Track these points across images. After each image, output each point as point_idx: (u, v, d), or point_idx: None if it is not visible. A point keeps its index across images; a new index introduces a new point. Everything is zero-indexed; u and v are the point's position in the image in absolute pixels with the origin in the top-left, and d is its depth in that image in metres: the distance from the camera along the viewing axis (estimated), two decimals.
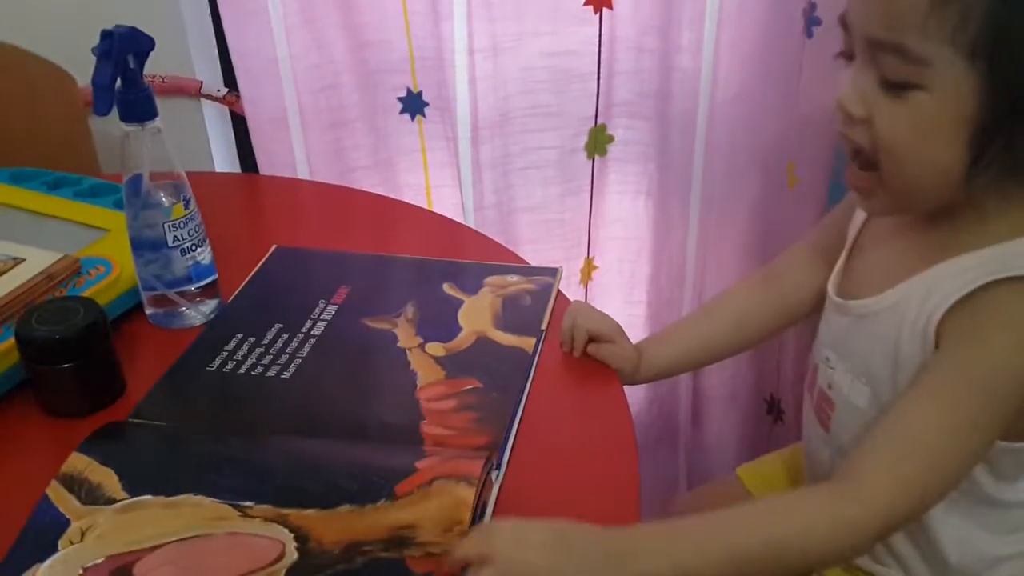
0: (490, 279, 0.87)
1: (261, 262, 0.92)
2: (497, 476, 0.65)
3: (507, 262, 0.93)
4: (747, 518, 0.66)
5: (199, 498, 0.62)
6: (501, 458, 0.67)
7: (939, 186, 0.66)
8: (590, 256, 1.30)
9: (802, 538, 0.64)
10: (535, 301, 0.85)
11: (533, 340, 0.80)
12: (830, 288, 0.81)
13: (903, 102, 0.64)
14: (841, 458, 0.78)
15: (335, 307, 0.84)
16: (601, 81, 1.15)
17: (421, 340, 0.80)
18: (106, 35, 0.72)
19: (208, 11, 1.13)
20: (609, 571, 0.59)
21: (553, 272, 0.89)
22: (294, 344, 0.79)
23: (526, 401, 0.74)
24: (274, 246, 0.94)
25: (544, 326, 0.82)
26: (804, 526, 0.64)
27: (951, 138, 0.64)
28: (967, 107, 0.62)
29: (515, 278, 0.88)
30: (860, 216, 0.81)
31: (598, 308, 0.83)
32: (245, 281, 0.89)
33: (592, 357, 0.80)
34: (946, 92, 0.62)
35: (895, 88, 0.64)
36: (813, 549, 0.64)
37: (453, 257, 0.93)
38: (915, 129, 0.64)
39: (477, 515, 0.61)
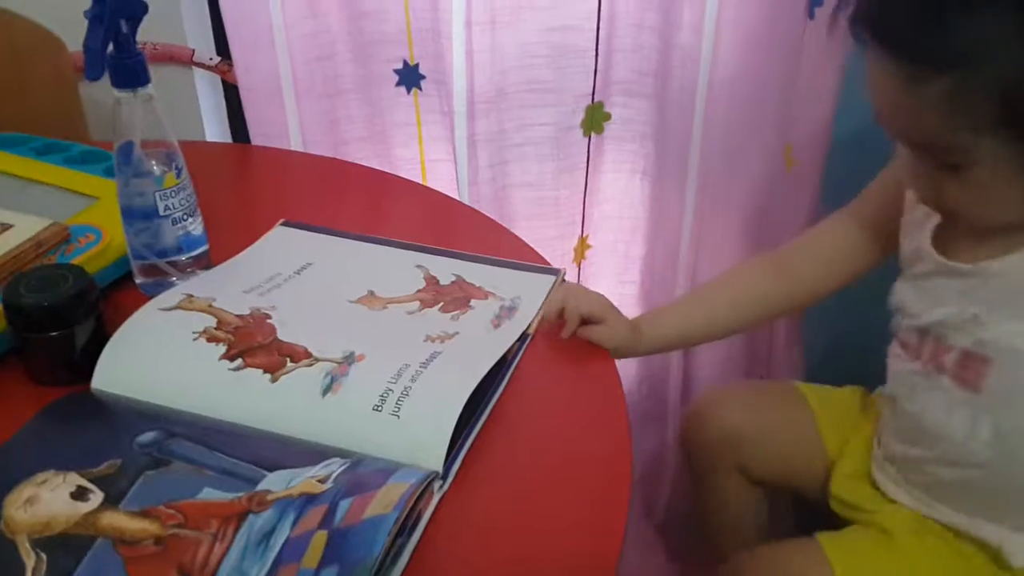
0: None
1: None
2: (441, 486, 0.64)
3: (505, 240, 0.92)
4: None
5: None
6: (449, 470, 0.65)
7: (1013, 217, 0.72)
8: (584, 235, 1.29)
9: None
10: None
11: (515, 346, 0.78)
12: (930, 257, 0.81)
13: (962, 178, 0.70)
14: (990, 415, 0.79)
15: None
16: (599, 58, 1.14)
17: None
18: None
19: None
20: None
21: (555, 272, 0.87)
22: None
23: (508, 384, 0.73)
24: (280, 221, 0.93)
25: (530, 330, 0.80)
26: None
27: (1013, 188, 0.69)
28: (1015, 163, 0.67)
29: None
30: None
31: (590, 288, 0.83)
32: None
33: (578, 337, 0.80)
34: (995, 161, 0.67)
35: (948, 167, 0.70)
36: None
37: (447, 234, 0.92)
38: (980, 197, 0.71)
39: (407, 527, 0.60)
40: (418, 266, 0.86)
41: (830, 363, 1.41)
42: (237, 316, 0.75)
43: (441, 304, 0.81)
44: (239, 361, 0.71)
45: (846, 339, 1.13)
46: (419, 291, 0.83)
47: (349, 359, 0.71)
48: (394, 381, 0.68)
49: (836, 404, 1.00)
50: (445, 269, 0.86)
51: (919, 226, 0.83)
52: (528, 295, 0.83)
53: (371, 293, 0.82)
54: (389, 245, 0.90)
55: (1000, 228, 0.74)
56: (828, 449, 0.97)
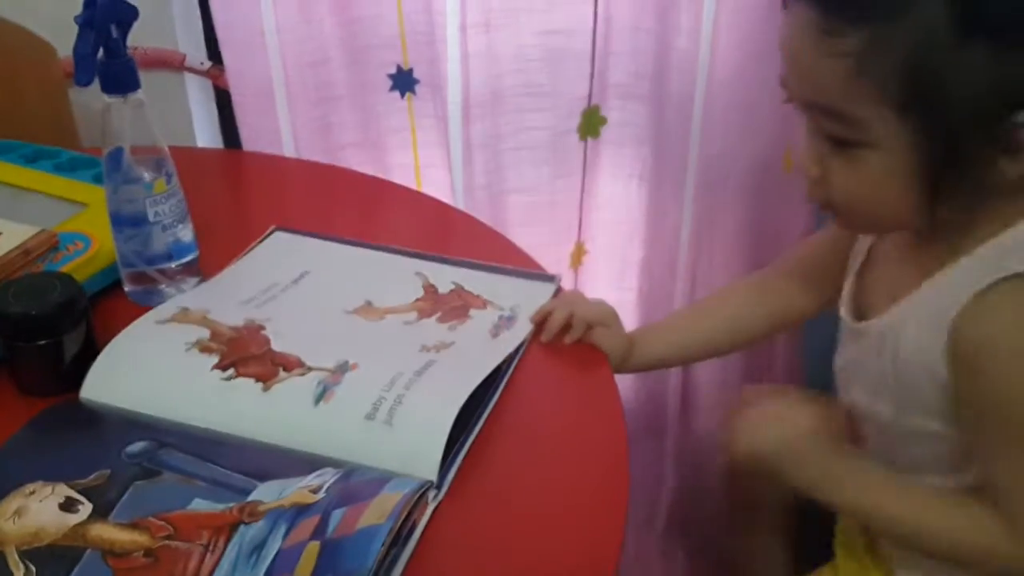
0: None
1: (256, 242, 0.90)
2: (436, 496, 0.63)
3: (501, 246, 0.92)
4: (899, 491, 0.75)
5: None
6: (444, 479, 0.64)
7: (903, 224, 0.70)
8: (580, 240, 1.29)
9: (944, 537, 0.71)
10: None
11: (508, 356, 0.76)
12: (842, 310, 0.81)
13: (852, 160, 0.66)
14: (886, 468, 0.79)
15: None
16: (596, 61, 1.14)
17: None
18: (88, 3, 0.71)
19: None
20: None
21: (552, 279, 0.86)
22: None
23: (504, 393, 0.73)
24: (272, 227, 0.93)
25: (526, 338, 0.79)
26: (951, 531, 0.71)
27: (903, 187, 0.66)
28: (911, 157, 0.64)
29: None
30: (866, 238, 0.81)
31: (588, 294, 0.83)
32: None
33: (581, 341, 0.79)
34: (889, 147, 0.64)
35: (842, 146, 0.66)
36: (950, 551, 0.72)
37: (442, 241, 0.92)
38: (867, 185, 0.67)
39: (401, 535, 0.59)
40: (417, 274, 0.85)
41: (829, 371, 1.41)
42: (231, 328, 0.75)
43: (439, 314, 0.81)
44: (231, 371, 0.70)
45: None
46: (417, 300, 0.82)
47: (342, 368, 0.70)
48: (387, 389, 0.67)
49: None
50: (444, 277, 0.85)
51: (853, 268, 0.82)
52: (527, 304, 0.82)
53: (368, 303, 0.82)
54: (388, 252, 0.89)
55: (902, 265, 0.73)
56: None
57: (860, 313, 0.78)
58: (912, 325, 0.70)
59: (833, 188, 0.68)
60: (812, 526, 0.95)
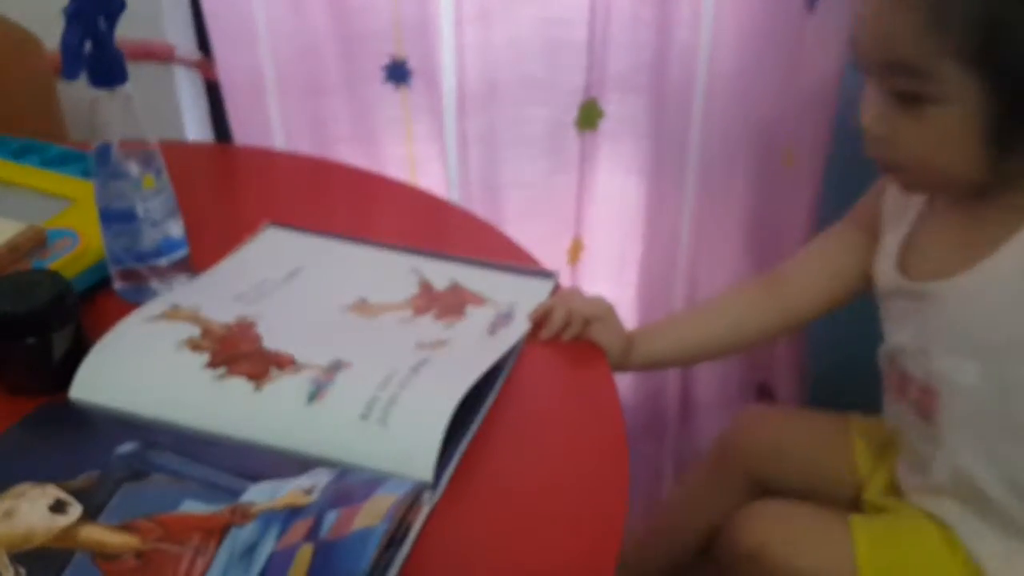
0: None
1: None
2: (432, 497, 0.62)
3: (497, 241, 0.91)
4: None
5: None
6: (440, 480, 0.63)
7: (969, 181, 0.71)
8: (578, 235, 1.28)
9: None
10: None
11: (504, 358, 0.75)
12: (892, 275, 0.81)
13: (919, 118, 0.69)
14: (942, 450, 0.79)
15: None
16: (594, 53, 1.13)
17: None
18: None
19: None
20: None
21: (550, 276, 0.85)
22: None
23: (501, 391, 0.72)
24: (265, 222, 0.92)
25: (524, 335, 0.78)
26: None
27: (970, 143, 0.68)
28: (980, 112, 0.66)
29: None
30: (911, 207, 0.82)
31: (587, 290, 0.83)
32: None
33: (580, 337, 0.79)
34: (958, 101, 0.67)
35: (909, 102, 0.69)
36: None
37: (438, 236, 0.91)
38: (935, 142, 0.69)
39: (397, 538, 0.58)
40: (412, 270, 0.85)
41: (832, 367, 1.40)
42: (222, 325, 0.74)
43: (435, 311, 0.80)
44: (223, 369, 0.70)
45: (849, 343, 1.13)
46: (413, 297, 0.82)
47: (336, 366, 0.69)
48: (381, 388, 0.67)
49: (876, 433, 0.99)
50: (440, 274, 0.85)
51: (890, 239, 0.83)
52: (524, 302, 0.81)
53: (363, 300, 0.81)
54: (382, 248, 0.88)
55: (962, 225, 0.74)
56: (860, 475, 0.96)
57: (915, 278, 0.80)
58: (997, 286, 0.72)
59: (899, 146, 0.71)
60: None
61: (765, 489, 1.02)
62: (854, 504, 0.94)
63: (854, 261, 0.89)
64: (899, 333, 0.82)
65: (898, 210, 0.83)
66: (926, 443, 0.82)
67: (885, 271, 0.82)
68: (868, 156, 0.75)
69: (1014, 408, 0.75)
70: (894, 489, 0.91)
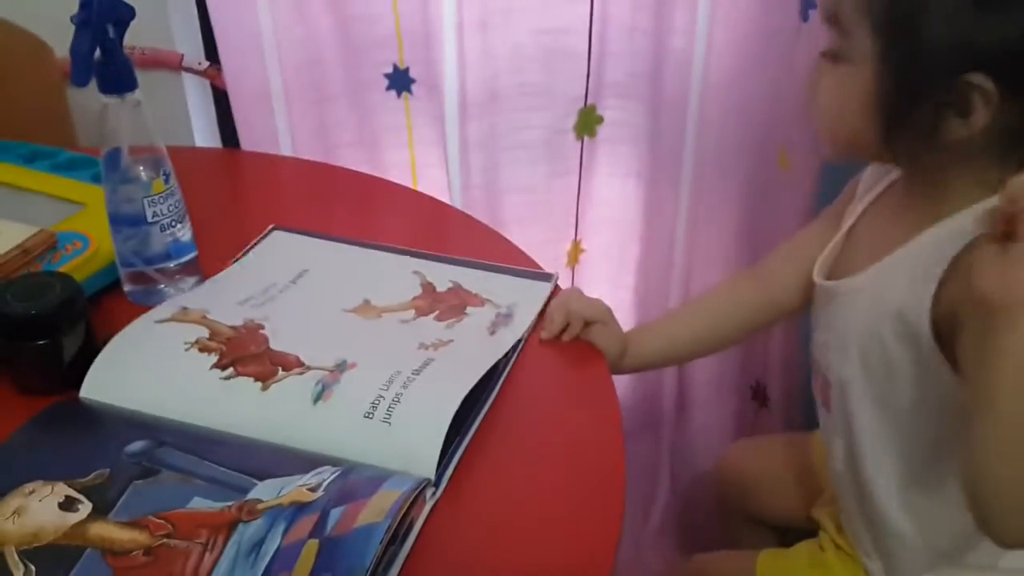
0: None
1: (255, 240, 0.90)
2: (434, 494, 0.63)
3: (498, 245, 0.92)
4: None
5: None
6: (441, 477, 0.64)
7: (863, 146, 0.72)
8: (577, 239, 1.29)
9: None
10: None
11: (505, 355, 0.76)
12: (816, 274, 0.82)
13: (834, 73, 0.70)
14: (840, 438, 0.80)
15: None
16: (592, 61, 1.14)
17: None
18: (85, 3, 0.70)
19: None
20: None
21: (549, 278, 0.86)
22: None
23: (501, 390, 0.73)
24: (271, 226, 0.93)
25: (524, 335, 0.79)
26: None
27: (864, 107, 0.69)
28: (874, 80, 0.68)
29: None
30: (859, 203, 0.82)
31: (586, 292, 0.82)
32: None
33: (579, 338, 0.79)
34: (859, 64, 0.68)
35: (831, 58, 0.70)
36: None
37: (439, 240, 0.92)
38: (835, 97, 0.71)
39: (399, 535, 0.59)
40: (414, 272, 0.86)
41: None
42: (230, 327, 0.75)
43: (437, 312, 0.81)
44: (230, 370, 0.70)
45: None
46: (415, 298, 0.82)
47: (341, 367, 0.70)
48: (385, 388, 0.68)
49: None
50: (442, 275, 0.85)
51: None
52: (524, 302, 0.82)
53: (367, 302, 0.82)
54: (385, 251, 0.89)
55: (884, 229, 0.74)
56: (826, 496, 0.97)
57: (833, 276, 0.80)
58: (890, 282, 0.72)
59: (817, 103, 0.73)
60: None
61: (761, 521, 1.04)
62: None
63: None
64: (816, 330, 0.83)
65: (851, 209, 0.83)
66: (829, 432, 0.83)
67: (816, 268, 0.83)
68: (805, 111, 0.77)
69: (893, 403, 0.75)
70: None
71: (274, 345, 0.73)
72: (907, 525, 0.78)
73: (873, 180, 0.82)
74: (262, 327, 0.75)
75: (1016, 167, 0.66)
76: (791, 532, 1.01)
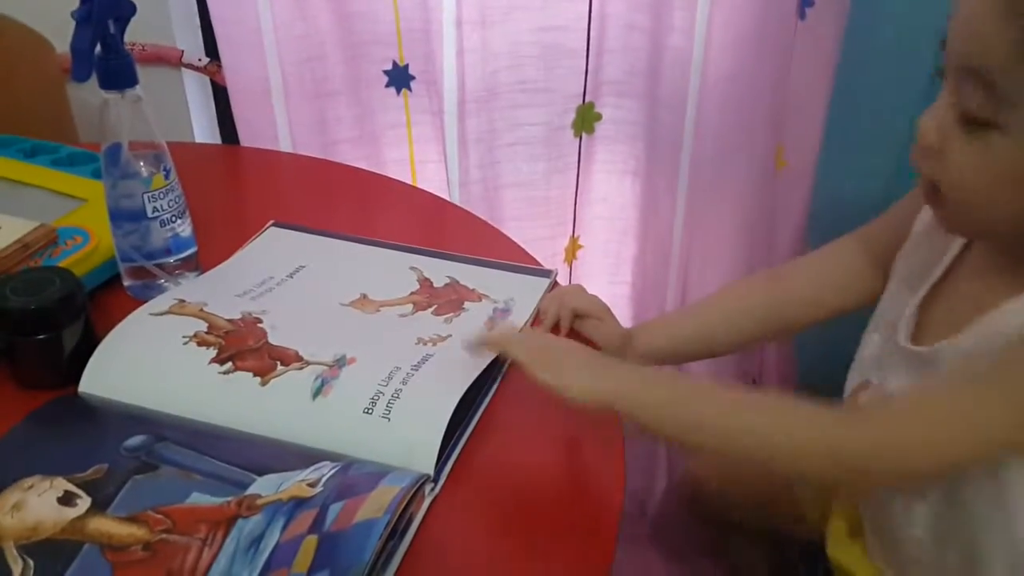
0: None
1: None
2: (433, 489, 0.63)
3: (496, 241, 0.92)
4: (735, 400, 0.66)
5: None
6: (440, 473, 0.64)
7: (1015, 230, 0.63)
8: (575, 235, 1.29)
9: (780, 436, 0.63)
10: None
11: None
12: (901, 334, 0.73)
13: (979, 141, 0.60)
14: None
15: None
16: (590, 58, 1.14)
17: None
18: None
19: None
20: (595, 370, 0.66)
21: (548, 274, 0.86)
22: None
23: (499, 386, 0.73)
24: (269, 222, 0.93)
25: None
26: (788, 426, 0.63)
27: (1014, 191, 0.60)
28: None
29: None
30: (947, 245, 0.74)
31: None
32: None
33: (578, 336, 0.79)
34: (1022, 137, 0.58)
35: (974, 124, 0.60)
36: (782, 450, 0.63)
37: (438, 235, 0.92)
38: (986, 171, 0.61)
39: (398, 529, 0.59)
40: (412, 268, 0.86)
41: (822, 367, 1.41)
42: (228, 320, 0.75)
43: (434, 307, 0.81)
44: (229, 364, 0.70)
45: (838, 343, 1.13)
46: (412, 293, 0.83)
47: (340, 362, 0.70)
48: (385, 384, 0.68)
49: None
50: (439, 271, 0.85)
51: (909, 287, 0.75)
52: (522, 297, 0.82)
53: (364, 296, 0.82)
54: (383, 247, 0.89)
55: (980, 289, 0.67)
56: (801, 507, 0.93)
57: (918, 337, 0.72)
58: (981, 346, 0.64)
59: (948, 168, 0.62)
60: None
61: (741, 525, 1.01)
62: (810, 535, 0.90)
63: (852, 282, 0.85)
64: (872, 362, 0.77)
65: (922, 265, 0.75)
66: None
67: (895, 335, 0.74)
68: (912, 166, 0.66)
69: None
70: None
71: (273, 339, 0.73)
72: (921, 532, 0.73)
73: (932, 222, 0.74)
74: (260, 320, 0.75)
75: None
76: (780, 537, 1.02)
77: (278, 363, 0.71)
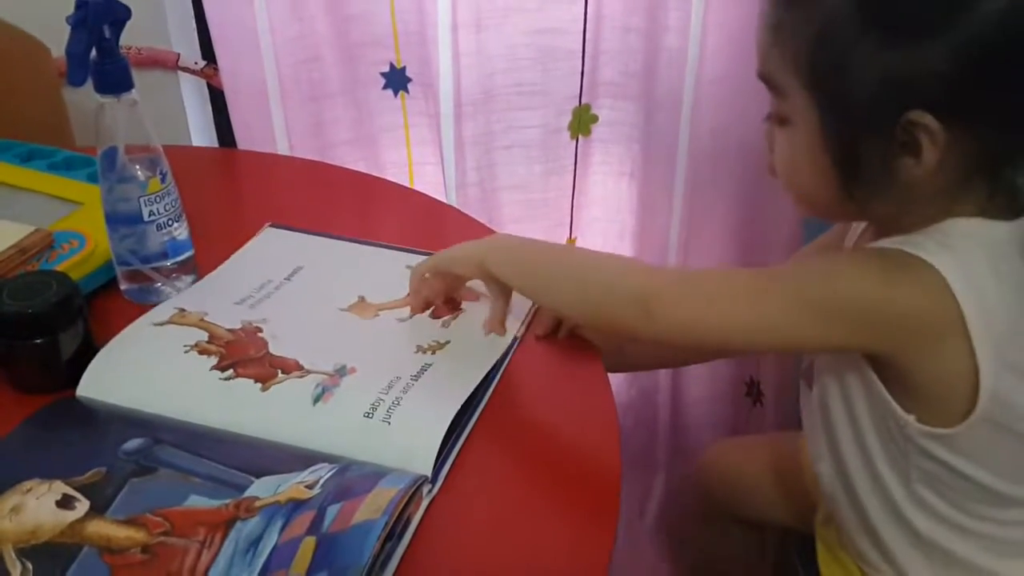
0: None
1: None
2: (430, 491, 0.63)
3: None
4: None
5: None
6: (437, 475, 0.64)
7: (827, 204, 0.70)
8: (572, 237, 1.29)
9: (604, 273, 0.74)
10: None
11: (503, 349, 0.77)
12: None
13: (783, 134, 0.69)
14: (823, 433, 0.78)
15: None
16: (586, 60, 1.14)
17: None
18: (81, 4, 0.70)
19: None
20: (476, 241, 0.77)
21: None
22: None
23: (497, 388, 0.73)
24: (267, 224, 0.93)
25: (519, 333, 0.79)
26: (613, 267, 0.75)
27: (814, 165, 0.67)
28: (817, 136, 0.66)
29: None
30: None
31: None
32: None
33: (575, 335, 0.79)
34: (800, 122, 0.67)
35: (781, 121, 0.69)
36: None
37: (435, 238, 0.91)
38: (790, 159, 0.69)
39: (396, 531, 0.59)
40: (408, 268, 0.86)
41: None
42: (229, 330, 0.75)
43: (432, 309, 0.81)
44: (230, 371, 0.71)
45: None
46: (409, 295, 0.83)
47: (341, 372, 0.70)
48: (385, 392, 0.68)
49: None
50: None
51: None
52: (519, 298, 0.82)
53: (362, 299, 0.82)
54: (381, 248, 0.89)
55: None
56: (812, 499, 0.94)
57: None
58: None
59: (775, 160, 0.71)
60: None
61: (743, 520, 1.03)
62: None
63: None
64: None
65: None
66: (808, 415, 0.81)
67: None
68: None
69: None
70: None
71: (274, 349, 0.73)
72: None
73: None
74: (260, 330, 0.76)
75: (985, 197, 0.65)
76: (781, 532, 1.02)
77: (279, 371, 0.71)
